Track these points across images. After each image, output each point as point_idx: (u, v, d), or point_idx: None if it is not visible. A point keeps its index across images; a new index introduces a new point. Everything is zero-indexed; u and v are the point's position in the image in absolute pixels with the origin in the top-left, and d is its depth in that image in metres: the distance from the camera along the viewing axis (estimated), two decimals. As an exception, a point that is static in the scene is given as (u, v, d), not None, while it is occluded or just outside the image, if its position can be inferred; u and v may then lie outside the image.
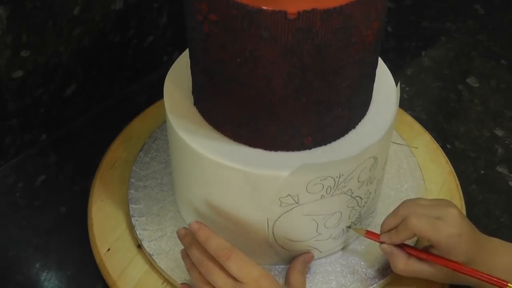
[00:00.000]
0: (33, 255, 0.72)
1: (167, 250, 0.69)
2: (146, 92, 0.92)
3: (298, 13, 0.50)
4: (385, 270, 0.67)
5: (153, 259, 0.68)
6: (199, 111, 0.64)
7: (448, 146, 0.85)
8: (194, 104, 0.65)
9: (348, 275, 0.67)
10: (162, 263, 0.68)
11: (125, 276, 0.68)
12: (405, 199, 0.66)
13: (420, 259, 0.63)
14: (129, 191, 0.74)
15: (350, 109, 0.60)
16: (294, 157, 0.60)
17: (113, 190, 0.76)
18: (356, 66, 0.56)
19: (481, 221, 0.74)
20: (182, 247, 0.64)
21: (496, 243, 0.64)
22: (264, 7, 0.50)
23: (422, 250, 0.63)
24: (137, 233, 0.70)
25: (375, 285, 0.67)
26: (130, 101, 0.91)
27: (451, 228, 0.60)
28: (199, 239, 0.59)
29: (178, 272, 0.67)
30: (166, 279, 0.68)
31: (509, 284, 0.58)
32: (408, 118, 0.86)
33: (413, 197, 0.72)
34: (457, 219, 0.61)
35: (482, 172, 0.83)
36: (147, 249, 0.69)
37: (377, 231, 0.67)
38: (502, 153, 0.85)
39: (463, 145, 0.86)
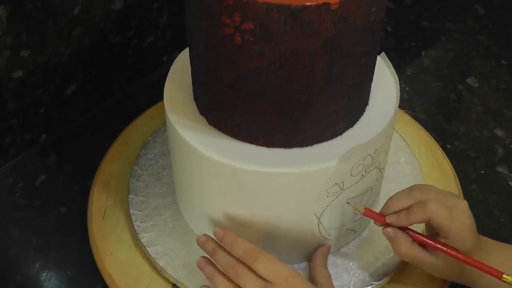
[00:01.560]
0: (33, 255, 0.73)
1: (159, 239, 0.70)
2: (146, 92, 0.92)
3: (340, 2, 0.51)
4: (387, 269, 0.68)
5: (144, 246, 0.69)
6: (213, 126, 0.63)
7: (448, 146, 0.85)
8: (210, 124, 0.63)
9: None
10: (151, 250, 0.69)
11: (115, 262, 0.69)
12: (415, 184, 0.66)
13: (422, 246, 0.62)
14: (130, 193, 0.75)
15: (368, 87, 0.63)
16: (331, 147, 0.61)
17: (113, 190, 0.76)
18: (376, 44, 0.59)
19: (481, 221, 0.74)
20: (173, 236, 0.67)
21: (490, 243, 0.64)
22: (308, 3, 0.50)
23: (427, 236, 0.63)
24: (132, 219, 0.71)
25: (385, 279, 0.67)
26: (130, 101, 0.91)
27: (463, 218, 0.61)
28: (225, 244, 0.59)
29: (166, 261, 0.68)
30: (154, 266, 0.69)
31: (504, 276, 0.58)
32: (407, 117, 0.86)
33: None
34: (468, 211, 0.62)
35: (482, 172, 0.83)
36: (140, 237, 0.70)
37: (366, 245, 0.69)
38: (502, 153, 0.85)
39: (463, 145, 0.86)
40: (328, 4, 0.50)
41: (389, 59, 0.69)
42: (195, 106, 0.65)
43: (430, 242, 0.61)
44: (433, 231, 0.62)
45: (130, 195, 0.74)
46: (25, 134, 0.82)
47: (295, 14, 0.51)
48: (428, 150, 0.82)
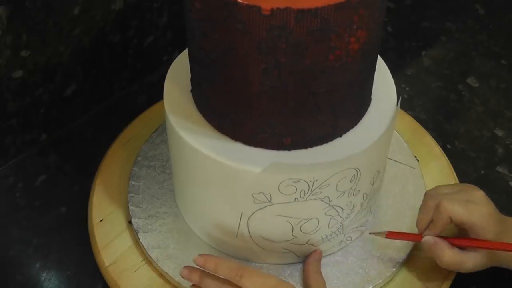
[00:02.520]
0: (33, 255, 0.73)
1: (152, 229, 0.70)
2: (146, 92, 0.92)
3: (272, 9, 0.50)
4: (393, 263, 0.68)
5: (137, 236, 0.70)
6: (193, 100, 0.64)
7: (448, 146, 0.85)
8: (191, 91, 0.65)
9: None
10: (144, 241, 0.69)
11: (109, 248, 0.70)
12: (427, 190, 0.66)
13: (461, 247, 0.63)
14: (129, 192, 0.75)
15: (333, 116, 0.59)
16: (270, 155, 0.60)
17: (113, 190, 0.76)
18: (337, 72, 0.55)
19: (481, 221, 0.74)
20: (167, 227, 0.69)
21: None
22: (240, 0, 0.50)
23: (462, 237, 0.63)
24: (129, 208, 0.72)
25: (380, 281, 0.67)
26: (130, 101, 0.91)
27: (482, 208, 0.61)
28: (209, 270, 0.59)
29: (157, 252, 0.68)
30: (146, 257, 0.69)
31: None
32: (407, 117, 0.86)
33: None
34: (485, 200, 0.62)
35: (482, 172, 0.83)
36: (135, 226, 0.70)
37: (367, 246, 0.69)
38: (502, 153, 0.85)
39: (463, 145, 0.86)
40: (258, 8, 0.50)
41: (389, 59, 0.69)
42: (195, 106, 0.65)
43: (468, 240, 0.62)
44: (461, 231, 0.63)
45: (130, 195, 0.74)
46: (25, 134, 0.82)
47: (228, 7, 0.51)
48: (428, 150, 0.82)
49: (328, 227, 0.65)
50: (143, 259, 0.70)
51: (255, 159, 0.59)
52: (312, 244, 0.66)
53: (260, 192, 0.60)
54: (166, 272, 0.67)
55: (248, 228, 0.64)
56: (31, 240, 0.74)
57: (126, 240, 0.71)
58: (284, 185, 0.59)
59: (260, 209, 0.61)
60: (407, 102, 0.92)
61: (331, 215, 0.64)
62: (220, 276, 0.59)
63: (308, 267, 0.65)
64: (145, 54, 0.92)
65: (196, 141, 0.61)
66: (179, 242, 0.70)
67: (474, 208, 0.61)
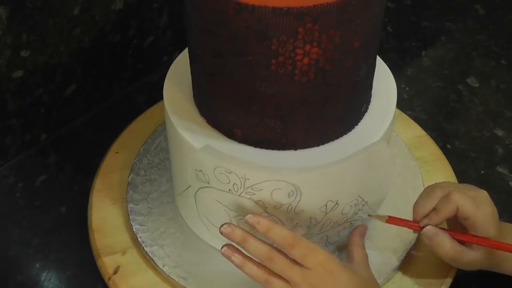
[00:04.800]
0: (33, 255, 0.73)
1: (156, 237, 0.70)
2: (146, 92, 0.92)
3: (288, 8, 0.49)
4: (395, 260, 0.68)
5: (141, 245, 0.70)
6: (212, 125, 0.63)
7: (448, 146, 0.85)
8: (209, 123, 0.64)
9: None
10: (149, 249, 0.69)
11: (112, 259, 0.70)
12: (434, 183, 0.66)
13: (461, 242, 0.63)
14: (129, 192, 0.75)
15: (283, 124, 0.58)
16: (219, 141, 0.60)
17: (113, 190, 0.76)
18: (282, 80, 0.55)
19: (481, 221, 0.74)
20: (171, 234, 0.68)
21: (509, 227, 0.66)
22: (252, 3, 0.50)
23: (462, 232, 0.63)
24: (130, 218, 0.72)
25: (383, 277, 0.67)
26: (130, 101, 0.91)
27: (487, 207, 0.62)
28: (260, 231, 0.58)
29: (163, 259, 0.68)
30: (152, 266, 0.69)
31: None
32: (407, 117, 0.86)
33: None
34: (490, 200, 0.63)
35: (482, 172, 0.83)
36: (138, 235, 0.70)
37: (372, 238, 0.68)
38: (502, 153, 0.85)
39: (463, 145, 0.86)
40: (272, 8, 0.50)
41: (389, 59, 0.69)
42: (195, 106, 0.65)
43: (469, 235, 0.62)
44: (457, 225, 0.63)
45: (130, 194, 0.74)
46: (25, 134, 0.82)
47: (239, 10, 0.51)
48: (428, 150, 0.82)
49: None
50: (147, 266, 0.69)
51: (203, 139, 0.60)
52: None
53: (200, 170, 0.60)
54: (173, 279, 0.67)
55: (195, 202, 0.65)
56: (31, 240, 0.74)
57: (130, 250, 0.71)
58: (219, 171, 0.59)
59: (202, 188, 0.62)
60: (407, 102, 0.92)
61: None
62: (270, 240, 0.58)
63: (353, 240, 0.65)
64: (145, 54, 0.92)
65: (196, 140, 0.61)
66: (185, 248, 0.69)
67: (481, 205, 0.62)
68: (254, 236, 0.58)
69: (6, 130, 0.79)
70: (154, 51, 0.93)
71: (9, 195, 0.79)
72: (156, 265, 0.68)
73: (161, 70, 0.94)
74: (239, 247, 0.59)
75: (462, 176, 0.79)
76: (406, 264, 0.69)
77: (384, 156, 0.61)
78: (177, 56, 0.70)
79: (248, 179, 0.58)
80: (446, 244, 0.62)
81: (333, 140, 0.61)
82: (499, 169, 0.83)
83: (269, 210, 0.61)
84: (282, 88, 0.55)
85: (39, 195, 0.79)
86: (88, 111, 0.89)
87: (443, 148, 0.83)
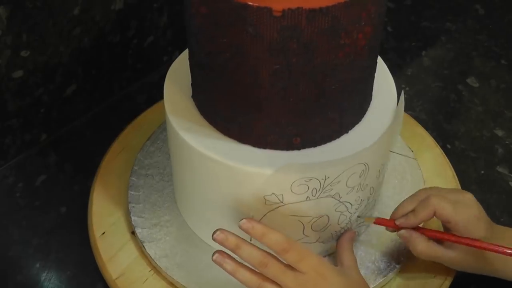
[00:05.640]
0: (33, 255, 0.73)
1: (158, 239, 0.70)
2: (146, 92, 0.92)
3: (283, 10, 0.50)
4: (395, 260, 0.68)
5: (143, 246, 0.69)
6: (195, 105, 0.64)
7: (448, 146, 0.85)
8: (192, 97, 0.65)
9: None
10: (151, 251, 0.69)
11: (115, 261, 0.69)
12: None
13: (438, 241, 0.64)
14: (130, 186, 0.75)
15: (341, 113, 0.60)
16: (280, 156, 0.60)
17: (114, 190, 0.76)
18: (346, 69, 0.56)
19: (481, 221, 0.74)
20: (173, 236, 0.67)
21: (502, 228, 0.66)
22: (250, 3, 0.50)
23: (438, 230, 0.64)
24: (132, 219, 0.71)
25: (385, 277, 0.67)
26: (130, 101, 0.91)
27: (470, 209, 0.63)
28: (254, 236, 0.58)
29: (166, 261, 0.68)
30: (154, 267, 0.69)
31: None
32: (407, 117, 0.86)
33: None
34: (474, 203, 0.63)
35: (482, 172, 0.83)
36: (139, 236, 0.70)
37: (373, 239, 0.69)
38: (502, 153, 0.85)
39: (463, 145, 0.86)
40: (270, 9, 0.50)
41: (389, 59, 0.69)
42: (195, 106, 0.65)
43: (442, 235, 0.63)
44: (446, 229, 0.64)
45: (130, 194, 0.74)
46: (25, 134, 0.82)
47: (237, 10, 0.51)
48: (428, 150, 0.82)
49: (338, 223, 0.65)
50: (151, 270, 0.69)
51: (265, 161, 0.59)
52: (322, 242, 0.66)
53: (272, 193, 0.59)
54: (177, 281, 0.67)
55: None
56: (31, 240, 0.74)
57: (131, 251, 0.70)
58: (296, 184, 0.59)
59: (271, 210, 0.61)
60: (407, 102, 0.92)
61: (340, 211, 0.64)
62: (264, 245, 0.58)
63: (342, 245, 0.66)
64: (145, 54, 0.92)
65: (201, 144, 0.61)
66: (186, 249, 0.69)
67: (462, 208, 0.62)
68: (248, 242, 0.59)
69: (6, 130, 0.79)
70: (154, 51, 0.93)
71: (9, 195, 0.79)
72: (167, 274, 0.68)
73: (161, 70, 0.94)
74: (231, 254, 0.59)
75: (462, 176, 0.79)
76: (406, 265, 0.69)
77: (401, 112, 0.64)
78: (177, 56, 0.70)
79: (328, 177, 0.59)
80: (420, 246, 0.63)
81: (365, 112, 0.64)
82: (499, 169, 0.83)
83: (342, 199, 0.62)
84: (347, 77, 0.56)
85: (39, 195, 0.79)
86: (88, 111, 0.89)
87: (443, 148, 0.83)
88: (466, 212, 0.62)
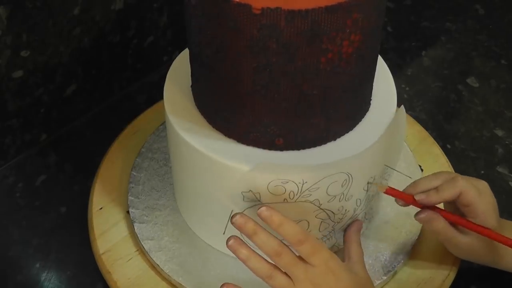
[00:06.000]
0: (33, 255, 0.73)
1: (148, 221, 0.71)
2: (146, 92, 0.92)
3: (262, 9, 0.50)
4: (397, 258, 0.68)
5: (133, 226, 0.71)
6: (195, 105, 0.64)
7: (448, 146, 0.85)
8: (190, 86, 0.66)
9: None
10: (139, 231, 0.70)
11: (105, 237, 0.71)
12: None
13: (456, 226, 0.63)
14: (129, 191, 0.75)
15: (326, 119, 0.59)
16: (261, 155, 0.60)
17: (114, 189, 0.76)
18: (330, 75, 0.55)
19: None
20: (162, 219, 0.69)
21: (509, 223, 0.66)
22: None
23: (460, 216, 0.63)
24: (128, 199, 0.73)
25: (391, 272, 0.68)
26: (130, 101, 0.91)
27: (488, 197, 0.63)
28: (272, 224, 0.57)
29: (150, 243, 0.69)
30: (139, 248, 0.70)
31: None
32: (407, 117, 0.86)
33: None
34: (490, 191, 0.64)
35: (482, 172, 0.83)
36: (131, 216, 0.71)
37: (373, 239, 0.69)
38: (502, 153, 0.85)
39: (463, 145, 0.86)
40: (249, 6, 0.50)
41: (389, 59, 0.69)
42: (195, 106, 0.65)
43: (465, 221, 0.62)
44: (456, 211, 0.63)
45: (130, 185, 0.75)
46: (25, 134, 0.82)
47: (219, 5, 0.51)
48: (428, 150, 0.82)
49: (319, 231, 0.65)
50: (137, 250, 0.70)
51: (246, 157, 0.59)
52: None
53: (250, 190, 0.60)
54: (157, 264, 0.68)
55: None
56: (31, 240, 0.74)
57: (122, 229, 0.72)
58: (273, 185, 0.58)
59: (250, 207, 0.61)
60: (407, 102, 0.92)
61: (321, 219, 0.63)
62: (280, 234, 0.57)
63: (350, 237, 0.65)
64: (145, 54, 0.92)
65: (193, 139, 0.61)
66: (173, 235, 0.70)
67: (483, 194, 0.63)
68: (265, 229, 0.58)
69: (6, 130, 0.79)
70: (154, 51, 0.93)
71: (9, 195, 0.79)
72: (149, 256, 0.68)
73: (161, 70, 0.94)
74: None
75: (462, 176, 0.79)
76: (406, 263, 0.69)
77: (402, 120, 0.64)
78: (177, 56, 0.70)
79: (306, 182, 0.59)
80: (439, 222, 0.62)
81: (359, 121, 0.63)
82: (499, 169, 0.83)
83: (323, 206, 0.61)
84: (332, 83, 0.56)
85: (39, 195, 0.79)
86: (88, 111, 0.89)
87: (443, 148, 0.83)
88: (486, 198, 0.62)
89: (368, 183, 0.64)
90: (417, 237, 0.70)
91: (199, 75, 0.62)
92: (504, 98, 0.93)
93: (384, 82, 0.67)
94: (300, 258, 0.58)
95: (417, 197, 0.62)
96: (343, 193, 0.61)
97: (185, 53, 0.69)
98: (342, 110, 0.60)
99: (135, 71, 0.92)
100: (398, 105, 0.65)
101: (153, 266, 0.69)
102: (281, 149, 0.60)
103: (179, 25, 0.93)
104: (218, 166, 0.60)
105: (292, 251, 0.58)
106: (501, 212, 0.76)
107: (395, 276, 0.69)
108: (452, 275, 0.69)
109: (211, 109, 0.62)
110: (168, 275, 0.67)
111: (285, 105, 0.56)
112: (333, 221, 0.64)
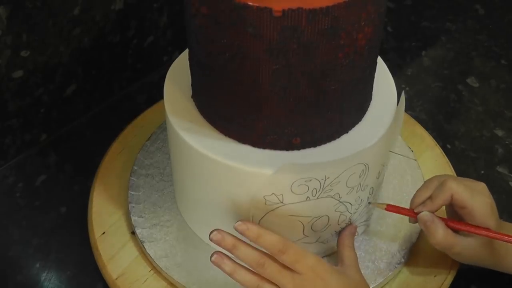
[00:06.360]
0: (33, 255, 0.73)
1: (158, 239, 0.70)
2: (146, 92, 0.92)
3: (283, 10, 0.50)
4: (396, 260, 0.69)
5: (143, 246, 0.69)
6: (195, 105, 0.64)
7: (448, 146, 0.85)
8: (192, 97, 0.65)
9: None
10: (151, 251, 0.69)
11: (115, 261, 0.69)
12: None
13: (455, 231, 0.63)
14: (130, 186, 0.75)
15: (341, 113, 0.60)
16: (280, 156, 0.60)
17: (113, 189, 0.76)
18: (346, 69, 0.56)
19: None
20: (173, 236, 0.67)
21: (509, 225, 0.66)
22: (250, 3, 0.50)
23: (457, 220, 0.63)
24: (132, 219, 0.71)
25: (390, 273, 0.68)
26: (130, 101, 0.91)
27: (485, 197, 0.62)
28: (249, 238, 0.58)
29: (166, 261, 0.68)
30: (154, 267, 0.69)
31: None
32: (407, 117, 0.86)
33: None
34: (487, 191, 0.63)
35: (482, 172, 0.83)
36: (139, 236, 0.70)
37: (373, 239, 0.69)
38: (502, 153, 0.85)
39: (463, 145, 0.86)
40: (270, 9, 0.50)
41: (389, 59, 0.69)
42: (195, 106, 0.65)
43: (464, 224, 0.62)
44: (456, 216, 0.63)
45: (130, 194, 0.74)
46: (25, 134, 0.82)
47: (238, 11, 0.51)
48: (428, 150, 0.82)
49: (338, 224, 0.65)
50: (151, 269, 0.69)
51: (265, 161, 0.59)
52: (322, 242, 0.66)
53: (272, 193, 0.59)
54: (177, 281, 0.67)
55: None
56: (31, 240, 0.74)
57: (131, 251, 0.70)
58: (297, 185, 0.58)
59: (271, 210, 0.61)
60: (407, 102, 0.91)
61: (340, 212, 0.64)
62: (260, 247, 0.58)
63: (343, 241, 0.65)
64: (145, 54, 0.92)
65: (201, 144, 0.61)
66: (186, 250, 0.69)
67: (478, 195, 0.62)
68: (245, 242, 0.58)
69: (6, 130, 0.79)
70: (154, 51, 0.93)
71: (9, 195, 0.79)
72: (167, 274, 0.68)
73: (161, 70, 0.94)
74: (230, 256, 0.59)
75: (462, 176, 0.79)
76: (406, 265, 0.69)
77: (401, 112, 0.64)
78: (177, 56, 0.70)
79: (328, 177, 0.59)
80: (439, 232, 0.62)
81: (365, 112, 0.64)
82: (499, 169, 0.83)
83: (342, 199, 0.62)
84: (347, 77, 0.56)
85: (39, 195, 0.79)
86: (88, 111, 0.89)
87: (443, 148, 0.83)
88: (482, 199, 0.62)
89: (369, 203, 0.66)
90: (416, 239, 0.70)
91: (206, 85, 0.61)
92: (504, 98, 0.93)
93: (381, 74, 0.67)
94: (286, 267, 0.57)
95: (416, 210, 0.63)
96: (360, 184, 0.62)
97: (185, 53, 0.69)
98: (354, 102, 0.60)
99: (135, 71, 0.92)
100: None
101: (172, 284, 0.68)
102: (298, 148, 0.60)
103: (179, 25, 0.93)
104: (237, 173, 0.59)
105: (277, 261, 0.58)
106: (501, 212, 0.76)
107: (395, 277, 0.69)
108: (451, 277, 0.69)
109: (222, 117, 0.61)
110: None
111: (304, 104, 0.57)
112: (350, 213, 0.65)
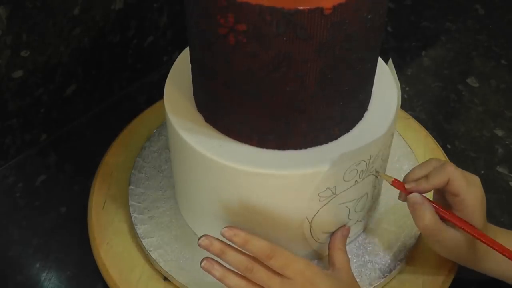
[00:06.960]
0: (33, 255, 0.73)
1: (158, 239, 0.70)
2: (146, 92, 0.92)
3: (334, 7, 0.50)
4: (394, 261, 0.69)
5: (142, 243, 0.70)
6: (212, 125, 0.63)
7: (448, 146, 0.85)
8: (206, 121, 0.63)
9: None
10: (151, 251, 0.69)
11: (115, 261, 0.70)
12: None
13: (444, 219, 0.62)
14: (130, 182, 0.75)
15: (367, 94, 0.62)
16: (326, 150, 0.60)
17: (113, 189, 0.76)
18: (374, 52, 0.59)
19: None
20: (172, 234, 0.67)
21: (495, 228, 0.65)
22: (301, 7, 0.50)
23: (449, 210, 0.62)
24: (132, 216, 0.72)
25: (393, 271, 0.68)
26: (130, 101, 0.91)
27: (477, 189, 0.61)
28: (236, 244, 0.58)
29: (166, 261, 0.68)
30: (154, 267, 0.69)
31: None
32: (407, 117, 0.86)
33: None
34: (480, 185, 0.62)
35: (482, 172, 0.83)
36: (138, 233, 0.70)
37: (379, 224, 0.69)
38: (502, 153, 0.85)
39: (463, 145, 0.86)
40: (321, 9, 0.50)
41: (389, 59, 0.69)
42: (195, 106, 0.65)
43: (452, 215, 0.61)
44: (443, 204, 0.62)
45: (130, 194, 0.74)
46: (25, 134, 0.82)
47: (288, 18, 0.50)
48: (428, 150, 0.82)
49: (372, 198, 0.67)
50: (151, 269, 0.69)
51: (315, 160, 0.59)
52: (361, 220, 0.68)
53: (327, 188, 0.60)
54: (177, 281, 0.67)
55: (310, 229, 0.63)
56: (31, 240, 0.74)
57: (131, 251, 0.70)
58: (348, 172, 0.59)
59: (325, 205, 0.61)
60: (407, 102, 0.92)
61: (374, 185, 0.66)
62: (247, 253, 0.57)
63: (334, 244, 0.65)
64: (145, 54, 0.92)
65: (201, 144, 0.60)
66: (187, 250, 0.69)
67: (473, 186, 0.61)
68: (233, 247, 0.58)
69: (6, 130, 0.79)
70: (154, 51, 0.93)
71: (9, 195, 0.79)
72: (152, 257, 0.68)
73: (161, 70, 0.94)
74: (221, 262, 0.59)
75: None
76: (406, 265, 0.69)
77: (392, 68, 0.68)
78: (177, 56, 0.70)
79: (372, 156, 0.61)
80: (427, 215, 0.60)
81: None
82: (499, 169, 0.83)
83: (380, 176, 0.64)
84: (373, 60, 0.60)
85: (39, 195, 0.79)
86: (88, 111, 0.89)
87: (443, 148, 0.83)
88: (476, 191, 0.60)
89: (376, 171, 0.65)
90: (416, 240, 0.70)
91: (236, 104, 0.59)
92: (504, 98, 0.93)
93: (382, 73, 0.68)
94: (276, 272, 0.57)
95: (407, 186, 0.62)
96: (388, 154, 0.65)
97: (185, 53, 0.69)
98: (372, 83, 0.64)
99: (135, 71, 0.92)
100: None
101: (172, 284, 0.67)
102: (336, 138, 0.61)
103: (179, 25, 0.93)
104: (289, 180, 0.58)
105: (266, 266, 0.57)
106: (501, 212, 0.76)
107: (394, 279, 0.69)
108: (450, 278, 0.69)
109: (257, 132, 0.60)
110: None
111: (344, 92, 0.58)
112: (379, 186, 0.67)
